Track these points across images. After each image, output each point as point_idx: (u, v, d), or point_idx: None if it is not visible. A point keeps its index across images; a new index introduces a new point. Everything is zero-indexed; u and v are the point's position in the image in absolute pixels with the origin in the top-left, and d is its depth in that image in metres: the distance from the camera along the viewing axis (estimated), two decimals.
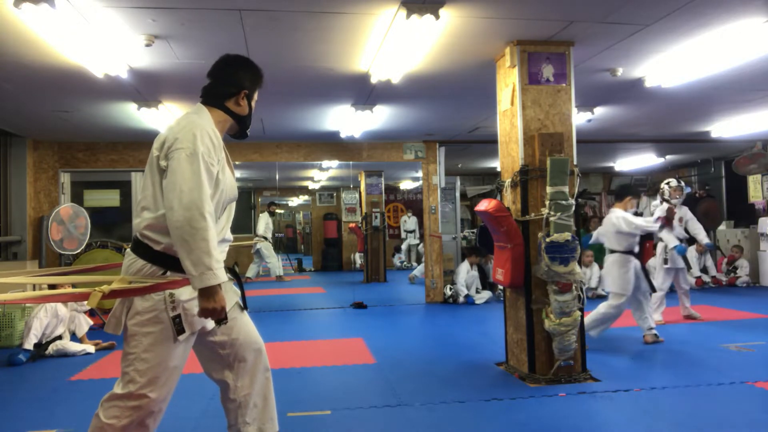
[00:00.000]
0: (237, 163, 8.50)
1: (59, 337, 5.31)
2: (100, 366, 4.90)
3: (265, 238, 11.48)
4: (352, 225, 13.49)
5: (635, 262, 5.07)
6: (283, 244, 17.22)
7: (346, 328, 6.53)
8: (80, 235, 7.25)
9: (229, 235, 2.38)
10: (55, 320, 5.26)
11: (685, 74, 5.05)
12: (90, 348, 5.37)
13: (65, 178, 7.96)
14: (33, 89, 5.18)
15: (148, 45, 3.95)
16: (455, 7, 3.56)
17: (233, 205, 2.39)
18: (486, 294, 8.25)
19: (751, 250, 9.62)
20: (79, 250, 7.31)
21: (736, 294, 8.40)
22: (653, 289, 5.32)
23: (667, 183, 6.11)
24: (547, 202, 3.92)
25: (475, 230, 9.35)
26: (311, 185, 14.31)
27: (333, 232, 14.60)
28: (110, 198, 9.03)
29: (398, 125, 7.28)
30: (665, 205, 5.90)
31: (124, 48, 4.10)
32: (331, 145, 8.44)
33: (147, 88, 5.20)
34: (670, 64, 4.87)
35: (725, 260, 9.67)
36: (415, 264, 14.46)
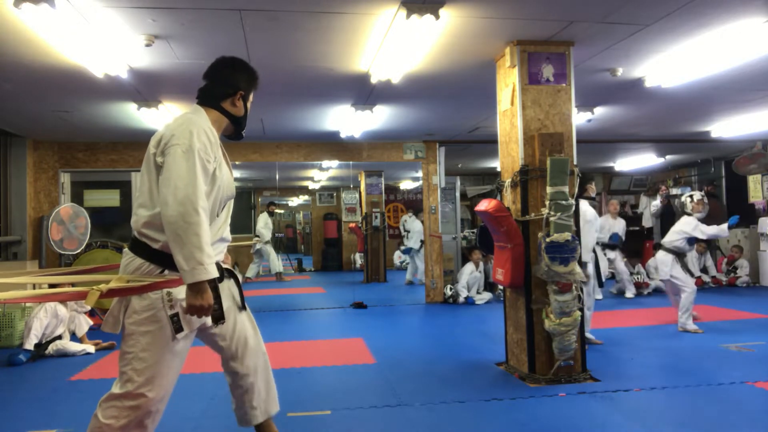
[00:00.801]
0: (237, 163, 8.50)
1: (59, 337, 5.31)
2: (100, 366, 4.90)
3: (259, 238, 11.47)
4: (352, 225, 13.49)
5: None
6: (283, 244, 17.22)
7: (346, 328, 6.53)
8: (80, 235, 7.25)
9: (228, 235, 2.39)
10: (55, 320, 5.26)
11: (685, 74, 5.05)
12: (90, 348, 5.37)
13: (65, 178, 7.96)
14: (33, 89, 5.18)
15: (148, 45, 3.95)
16: (455, 7, 3.56)
17: (231, 204, 2.41)
18: (486, 295, 8.25)
19: (751, 250, 9.62)
20: (79, 250, 7.31)
21: (736, 294, 8.40)
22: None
23: (690, 196, 5.98)
24: (547, 202, 3.92)
25: (475, 230, 9.34)
26: (311, 185, 14.30)
27: (333, 232, 14.60)
28: (110, 198, 9.01)
29: (398, 125, 7.28)
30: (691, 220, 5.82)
31: (124, 48, 4.10)
32: (331, 145, 8.44)
33: (147, 88, 5.20)
34: (670, 64, 4.87)
35: (725, 260, 9.67)
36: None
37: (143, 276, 2.14)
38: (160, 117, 6.01)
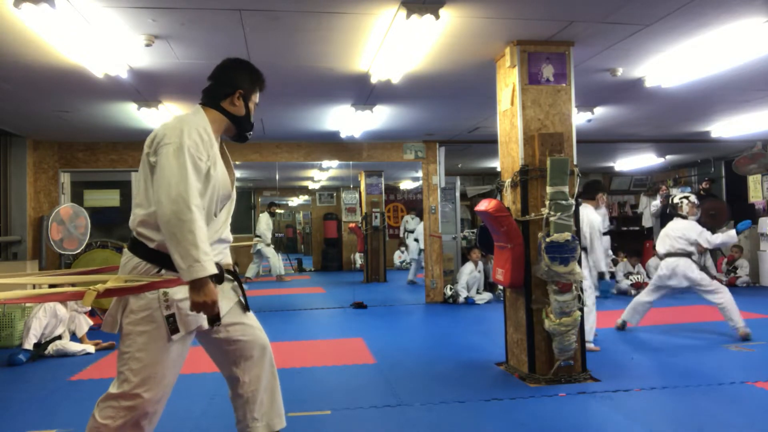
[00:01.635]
0: (237, 163, 8.49)
1: (59, 337, 5.31)
2: (100, 366, 4.90)
3: (260, 239, 11.45)
4: (352, 225, 13.49)
5: None
6: (283, 244, 17.21)
7: (346, 328, 6.53)
8: (80, 235, 7.25)
9: (229, 235, 2.38)
10: (55, 320, 5.26)
11: (685, 74, 5.05)
12: (90, 348, 5.37)
13: (65, 178, 7.96)
14: (33, 89, 5.18)
15: (148, 45, 3.95)
16: (455, 7, 3.56)
17: (232, 205, 2.39)
18: (486, 295, 8.25)
19: (751, 250, 9.61)
20: (79, 250, 7.30)
21: (736, 294, 8.27)
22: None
23: (686, 197, 5.69)
24: (547, 202, 3.92)
25: (475, 230, 9.34)
26: (311, 185, 14.30)
27: (333, 232, 14.60)
28: (110, 198, 9.02)
29: (398, 125, 7.28)
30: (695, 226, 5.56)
31: (124, 48, 4.10)
32: (331, 145, 8.44)
33: (147, 88, 5.20)
34: (670, 64, 4.87)
35: (725, 260, 9.67)
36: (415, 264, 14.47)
37: (140, 275, 2.14)
38: (160, 117, 6.00)
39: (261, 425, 2.41)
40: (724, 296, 5.29)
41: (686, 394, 3.70)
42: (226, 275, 2.34)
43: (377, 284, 11.12)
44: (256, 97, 2.45)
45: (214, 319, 2.13)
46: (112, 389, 2.11)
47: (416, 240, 11.03)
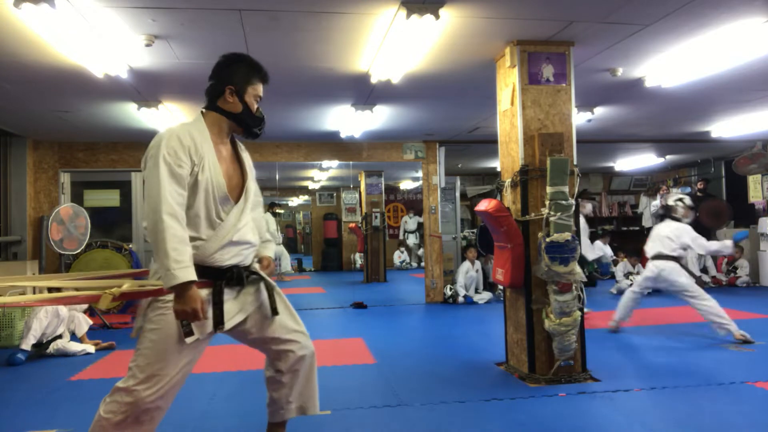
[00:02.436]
0: None
1: (59, 337, 5.31)
2: (100, 366, 4.90)
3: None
4: (352, 225, 13.50)
5: None
6: (284, 244, 17.22)
7: (346, 328, 6.53)
8: (80, 235, 7.25)
9: (248, 236, 2.33)
10: (57, 320, 5.26)
11: (685, 74, 5.05)
12: (90, 348, 5.37)
13: (65, 178, 7.96)
14: (33, 89, 5.18)
15: (148, 45, 3.95)
16: (455, 7, 3.56)
17: (247, 206, 2.34)
18: (486, 295, 8.25)
19: (751, 250, 9.61)
20: (79, 250, 7.30)
21: (736, 294, 8.39)
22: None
23: (681, 200, 5.57)
24: (547, 202, 3.92)
25: (475, 230, 9.34)
26: (311, 185, 14.30)
27: (333, 232, 14.60)
28: (110, 198, 9.02)
29: (398, 125, 7.28)
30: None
31: (124, 48, 4.10)
32: (331, 145, 8.44)
33: (147, 88, 5.20)
34: (670, 64, 4.87)
35: (725, 260, 9.66)
36: (414, 264, 14.47)
37: (158, 280, 2.19)
38: (160, 117, 6.01)
39: (293, 407, 2.51)
40: (708, 302, 5.16)
41: (686, 394, 3.70)
42: (252, 277, 2.36)
43: (377, 284, 11.11)
44: (255, 90, 2.37)
45: (218, 322, 2.18)
46: (120, 383, 2.15)
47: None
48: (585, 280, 3.98)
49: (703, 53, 4.53)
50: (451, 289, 8.27)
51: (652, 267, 5.41)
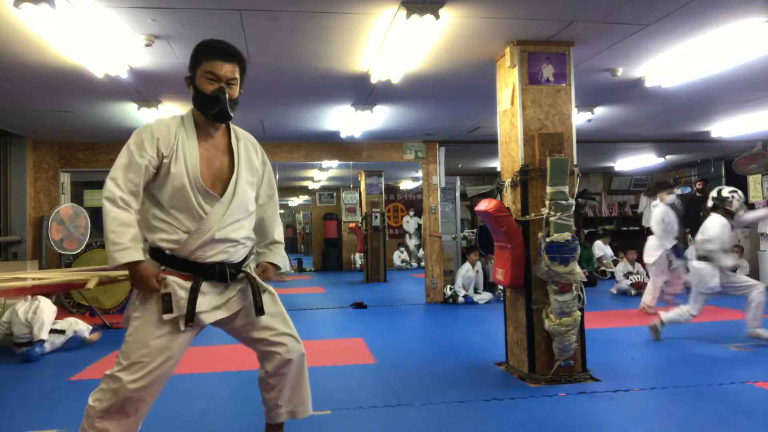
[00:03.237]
0: None
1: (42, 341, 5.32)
2: (100, 366, 4.89)
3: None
4: (352, 225, 13.50)
5: None
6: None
7: (346, 328, 6.53)
8: (80, 235, 7.25)
9: (231, 234, 2.27)
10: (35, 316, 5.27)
11: (685, 74, 5.05)
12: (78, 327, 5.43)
13: (65, 178, 7.96)
14: (33, 89, 5.18)
15: (148, 45, 3.96)
16: (455, 7, 3.56)
17: (235, 201, 2.27)
18: (486, 295, 8.25)
19: (751, 250, 9.61)
20: (79, 250, 7.31)
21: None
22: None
23: (736, 191, 5.18)
24: (547, 202, 3.92)
25: (475, 230, 9.34)
26: (311, 185, 14.31)
27: (333, 232, 14.60)
28: None
29: (398, 125, 7.28)
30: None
31: (124, 48, 4.10)
32: (331, 145, 8.44)
33: (147, 88, 5.20)
34: (670, 64, 4.87)
35: None
36: (414, 264, 14.48)
37: None
38: (160, 117, 6.00)
39: (284, 411, 2.50)
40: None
41: (686, 394, 3.70)
42: (240, 275, 2.36)
43: (377, 284, 11.12)
44: (206, 68, 2.22)
45: (188, 319, 2.18)
46: (107, 371, 2.19)
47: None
48: (585, 280, 3.99)
49: (703, 53, 4.53)
50: (451, 289, 8.28)
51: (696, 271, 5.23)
